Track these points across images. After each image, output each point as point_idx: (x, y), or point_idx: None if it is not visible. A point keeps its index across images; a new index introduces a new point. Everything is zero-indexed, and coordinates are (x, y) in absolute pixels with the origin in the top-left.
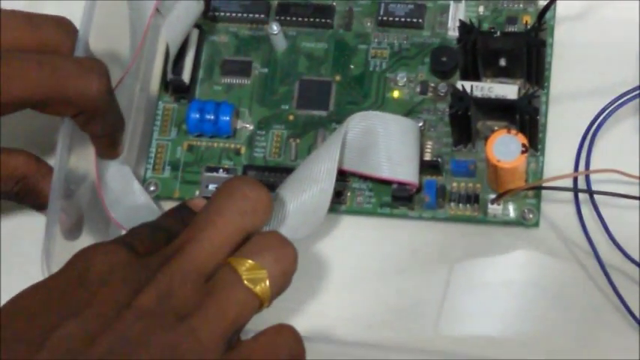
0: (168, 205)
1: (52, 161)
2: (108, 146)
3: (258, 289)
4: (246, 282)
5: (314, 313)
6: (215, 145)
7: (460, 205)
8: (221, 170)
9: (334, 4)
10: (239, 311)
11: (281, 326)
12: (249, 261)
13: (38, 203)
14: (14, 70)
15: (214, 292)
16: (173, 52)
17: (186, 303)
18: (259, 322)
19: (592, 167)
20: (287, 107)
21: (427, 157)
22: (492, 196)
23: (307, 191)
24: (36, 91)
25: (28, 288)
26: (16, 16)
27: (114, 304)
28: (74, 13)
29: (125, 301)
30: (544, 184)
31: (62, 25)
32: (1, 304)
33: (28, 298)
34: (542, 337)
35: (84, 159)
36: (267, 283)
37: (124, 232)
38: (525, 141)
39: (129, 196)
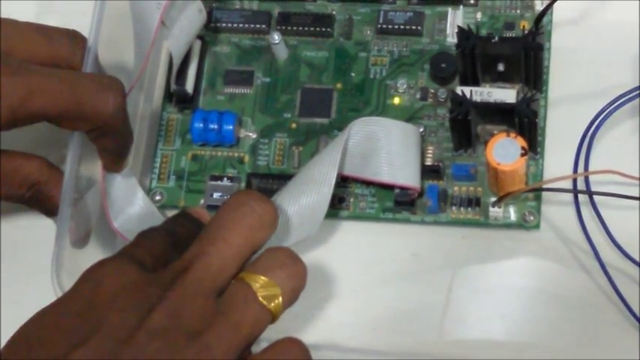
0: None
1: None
2: (115, 160)
3: (272, 305)
4: (261, 298)
5: (318, 318)
6: (219, 154)
7: (462, 208)
8: (225, 179)
9: (334, 13)
10: (253, 327)
11: (290, 340)
12: (263, 277)
13: (49, 209)
14: (34, 84)
15: (229, 308)
16: (176, 63)
17: (198, 320)
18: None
19: (591, 169)
20: (289, 115)
21: (428, 162)
22: (493, 199)
23: (306, 193)
24: (54, 106)
25: (38, 313)
26: (31, 29)
27: (125, 326)
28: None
29: (136, 323)
30: (544, 186)
31: (73, 37)
32: (6, 313)
33: (38, 326)
34: (544, 338)
35: (92, 168)
36: (281, 299)
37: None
38: (525, 144)
39: (134, 206)
